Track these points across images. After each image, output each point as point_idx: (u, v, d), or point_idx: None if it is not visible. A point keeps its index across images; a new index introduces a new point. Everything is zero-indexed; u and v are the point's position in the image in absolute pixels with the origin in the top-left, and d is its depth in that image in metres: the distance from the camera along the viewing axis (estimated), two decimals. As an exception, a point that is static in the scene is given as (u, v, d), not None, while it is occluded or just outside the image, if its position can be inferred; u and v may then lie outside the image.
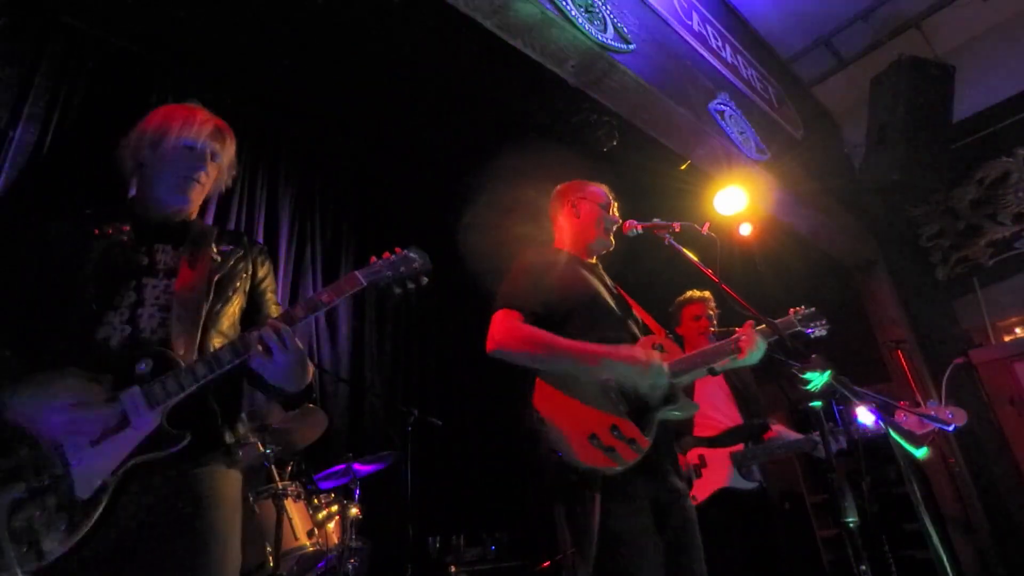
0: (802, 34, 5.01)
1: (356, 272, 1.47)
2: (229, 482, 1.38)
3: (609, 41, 2.88)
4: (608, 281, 2.14)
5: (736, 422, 2.96)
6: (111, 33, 3.49)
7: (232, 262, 1.56)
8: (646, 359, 1.71)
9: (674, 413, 1.76)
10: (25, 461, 1.18)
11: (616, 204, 2.24)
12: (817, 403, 1.95)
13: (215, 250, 1.55)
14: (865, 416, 2.58)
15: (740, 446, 2.86)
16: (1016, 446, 4.06)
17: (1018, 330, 4.61)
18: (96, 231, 1.45)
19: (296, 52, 3.80)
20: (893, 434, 2.24)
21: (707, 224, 2.19)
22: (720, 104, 3.69)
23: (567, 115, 3.55)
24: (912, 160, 4.41)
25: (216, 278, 1.49)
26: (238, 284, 1.56)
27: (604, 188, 2.26)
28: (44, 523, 1.15)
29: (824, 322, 2.14)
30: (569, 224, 2.22)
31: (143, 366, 1.29)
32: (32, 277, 1.38)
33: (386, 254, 1.51)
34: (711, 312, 3.20)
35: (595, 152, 3.72)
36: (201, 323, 1.42)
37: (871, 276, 5.12)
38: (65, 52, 3.30)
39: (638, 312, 2.07)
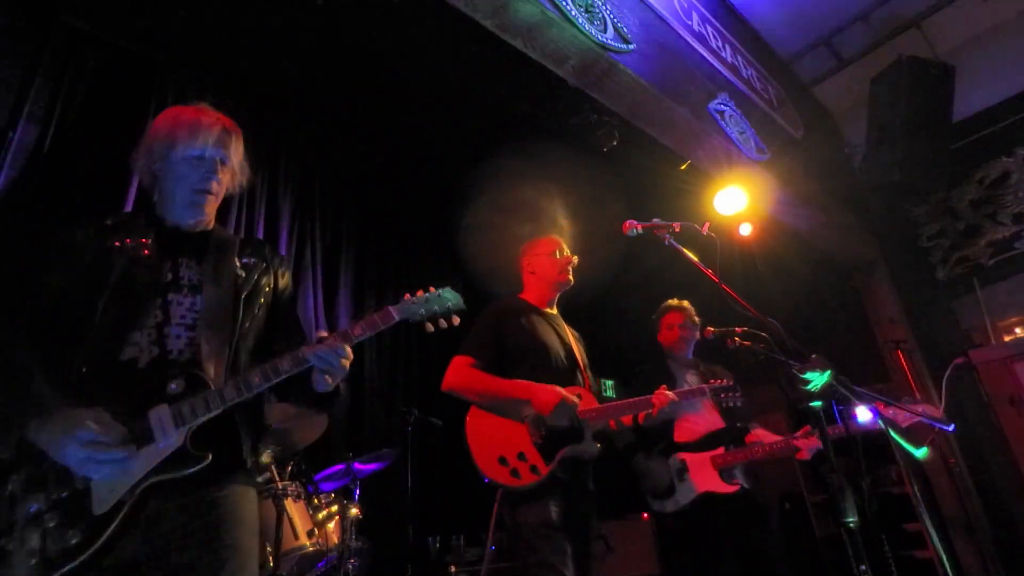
0: (802, 34, 5.02)
1: (390, 308, 1.47)
2: (248, 501, 1.38)
3: (609, 41, 2.88)
4: (562, 330, 2.48)
5: (718, 427, 3.04)
6: (111, 33, 3.49)
7: (256, 276, 1.55)
8: (555, 400, 2.08)
9: (577, 449, 2.14)
10: (47, 473, 1.19)
11: (565, 247, 2.57)
12: (817, 403, 1.95)
13: (239, 264, 1.53)
14: (864, 416, 2.58)
15: (720, 449, 2.94)
16: (1016, 446, 4.06)
17: (1018, 330, 4.61)
18: (117, 243, 1.41)
19: (296, 52, 3.80)
20: (893, 434, 2.24)
21: (707, 224, 2.20)
22: (720, 104, 3.69)
23: (567, 115, 3.55)
24: (912, 160, 4.41)
25: (244, 295, 1.48)
26: (262, 300, 1.55)
27: (552, 237, 2.60)
28: (58, 536, 1.15)
29: (739, 394, 2.50)
30: (529, 281, 2.59)
31: (175, 386, 1.28)
32: (56, 287, 1.35)
33: (420, 291, 1.52)
34: (689, 321, 3.29)
35: (595, 152, 3.72)
36: (230, 343, 1.41)
37: (871, 276, 5.12)
38: (65, 52, 3.30)
39: (579, 360, 2.40)
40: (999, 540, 4.12)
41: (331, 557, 3.01)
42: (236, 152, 1.57)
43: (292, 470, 3.21)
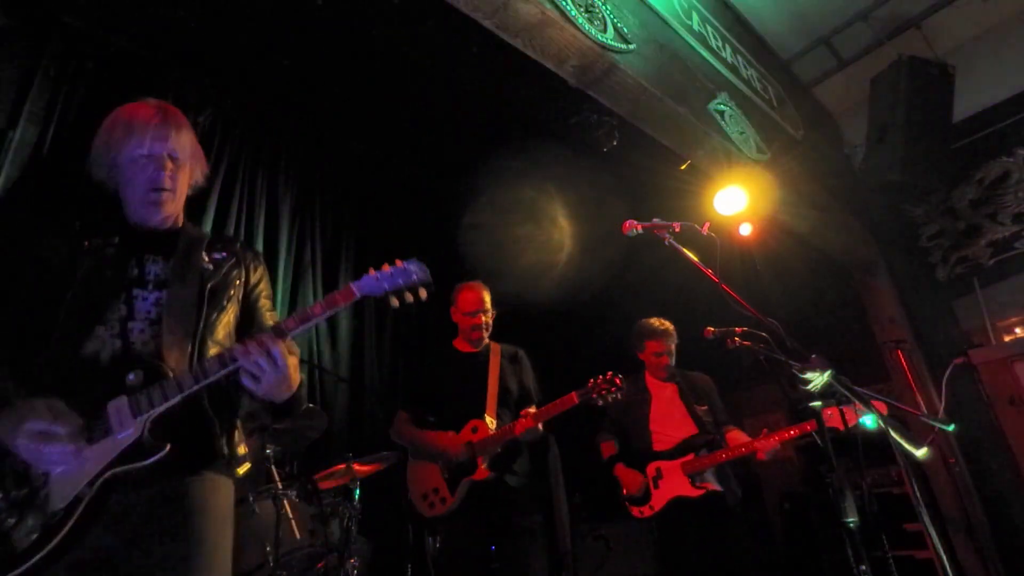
0: (802, 34, 5.01)
1: (351, 284, 1.43)
2: (220, 491, 1.37)
3: (609, 41, 2.88)
4: (483, 369, 2.84)
5: (691, 434, 3.26)
6: (111, 33, 3.49)
7: (225, 269, 1.53)
8: (446, 450, 2.63)
9: (472, 479, 2.58)
10: (5, 472, 1.18)
11: (486, 299, 2.94)
12: (817, 403, 1.96)
13: (207, 259, 1.51)
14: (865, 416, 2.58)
15: (691, 456, 3.16)
16: (1016, 446, 4.06)
17: (1018, 330, 4.61)
18: (86, 243, 1.41)
19: (296, 52, 3.80)
20: (893, 434, 2.24)
21: (707, 224, 2.20)
22: (720, 104, 3.69)
23: (567, 115, 3.55)
24: (912, 160, 4.41)
25: (209, 287, 1.46)
26: (232, 292, 1.52)
27: (472, 293, 2.93)
28: (19, 533, 1.14)
29: (614, 388, 2.62)
30: (456, 324, 2.99)
31: (132, 376, 1.26)
32: (25, 295, 1.35)
33: (385, 266, 1.46)
34: (670, 348, 3.44)
35: (595, 152, 3.72)
36: (195, 334, 1.39)
37: (871, 276, 5.12)
38: (65, 52, 3.30)
39: (491, 394, 2.77)
40: (999, 540, 4.12)
41: (331, 557, 3.01)
42: (183, 142, 1.50)
43: (291, 470, 3.21)
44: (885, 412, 2.52)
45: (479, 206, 4.89)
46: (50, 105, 3.16)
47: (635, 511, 3.26)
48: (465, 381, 2.83)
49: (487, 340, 2.96)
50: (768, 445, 3.02)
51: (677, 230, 2.14)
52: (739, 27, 4.53)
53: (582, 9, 2.78)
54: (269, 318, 1.59)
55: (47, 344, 1.29)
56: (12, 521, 1.14)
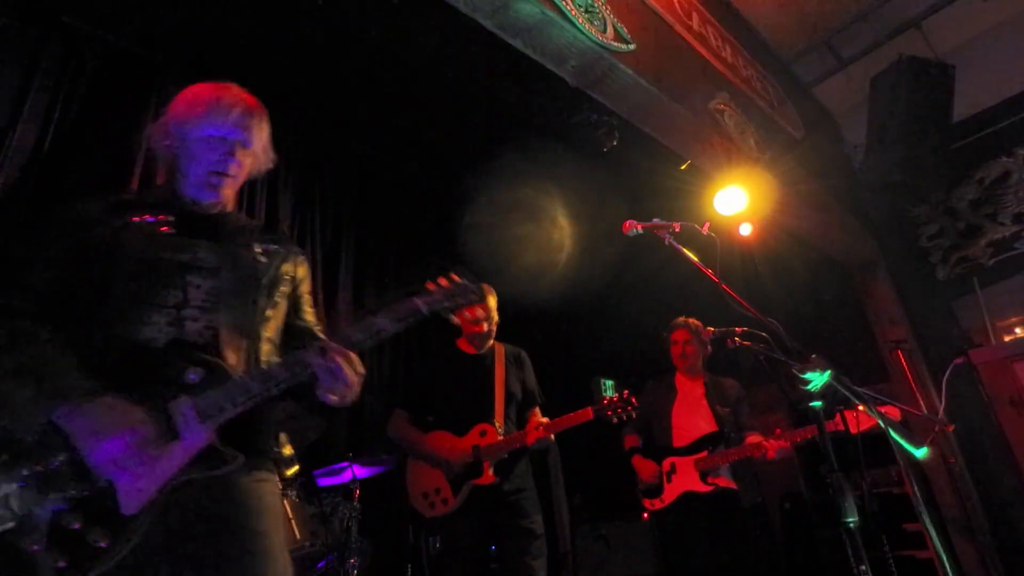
0: (802, 34, 5.01)
1: (416, 300, 1.41)
2: (274, 491, 1.34)
3: (609, 41, 2.88)
4: (487, 371, 2.82)
5: (709, 432, 3.30)
6: (111, 33, 3.49)
7: (276, 262, 1.47)
8: (450, 456, 2.60)
9: (477, 482, 2.57)
10: (64, 469, 1.11)
11: (495, 316, 2.91)
12: (817, 403, 1.95)
13: (259, 249, 1.45)
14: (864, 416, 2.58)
15: (704, 453, 3.21)
16: (1016, 446, 4.06)
17: (1018, 330, 4.61)
18: (136, 219, 1.34)
19: (296, 52, 3.80)
20: (893, 434, 2.24)
21: (707, 224, 2.20)
22: (720, 104, 3.69)
23: (567, 115, 3.54)
24: (912, 160, 4.41)
25: (264, 280, 1.41)
26: (282, 288, 1.47)
27: (483, 304, 2.85)
28: (84, 539, 1.08)
29: (630, 408, 2.65)
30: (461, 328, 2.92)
31: (194, 376, 1.21)
32: (57, 260, 1.27)
33: (443, 280, 1.46)
34: (691, 337, 3.48)
35: (595, 152, 3.72)
36: (250, 330, 1.35)
37: (871, 276, 5.12)
38: (65, 52, 3.30)
39: (496, 397, 2.75)
40: (999, 540, 4.12)
41: (331, 557, 3.01)
42: (259, 134, 1.49)
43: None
44: (899, 417, 2.54)
45: (479, 206, 4.89)
46: (50, 105, 3.16)
47: (647, 503, 3.35)
48: (470, 383, 2.80)
49: (492, 342, 2.95)
50: (779, 445, 3.05)
51: (677, 230, 2.14)
52: (739, 27, 4.53)
53: (582, 9, 2.78)
54: (311, 318, 1.56)
55: (97, 325, 1.23)
56: (77, 526, 1.09)
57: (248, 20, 3.55)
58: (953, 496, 4.31)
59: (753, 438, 3.22)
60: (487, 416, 2.69)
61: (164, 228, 1.35)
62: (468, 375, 2.82)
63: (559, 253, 5.10)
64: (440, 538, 2.75)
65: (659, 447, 3.37)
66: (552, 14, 2.64)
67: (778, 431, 3.10)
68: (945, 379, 4.13)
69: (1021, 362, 4.06)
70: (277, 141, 1.58)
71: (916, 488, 3.13)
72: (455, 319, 1.45)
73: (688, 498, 3.17)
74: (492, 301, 2.93)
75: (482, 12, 2.56)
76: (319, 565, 2.99)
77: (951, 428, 3.82)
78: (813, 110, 5.22)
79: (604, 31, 2.88)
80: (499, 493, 2.60)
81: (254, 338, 1.36)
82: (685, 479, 3.21)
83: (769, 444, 3.06)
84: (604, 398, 2.70)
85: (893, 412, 2.54)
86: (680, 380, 3.52)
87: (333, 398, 1.31)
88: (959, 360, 4.23)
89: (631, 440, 3.52)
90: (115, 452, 1.10)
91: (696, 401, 3.41)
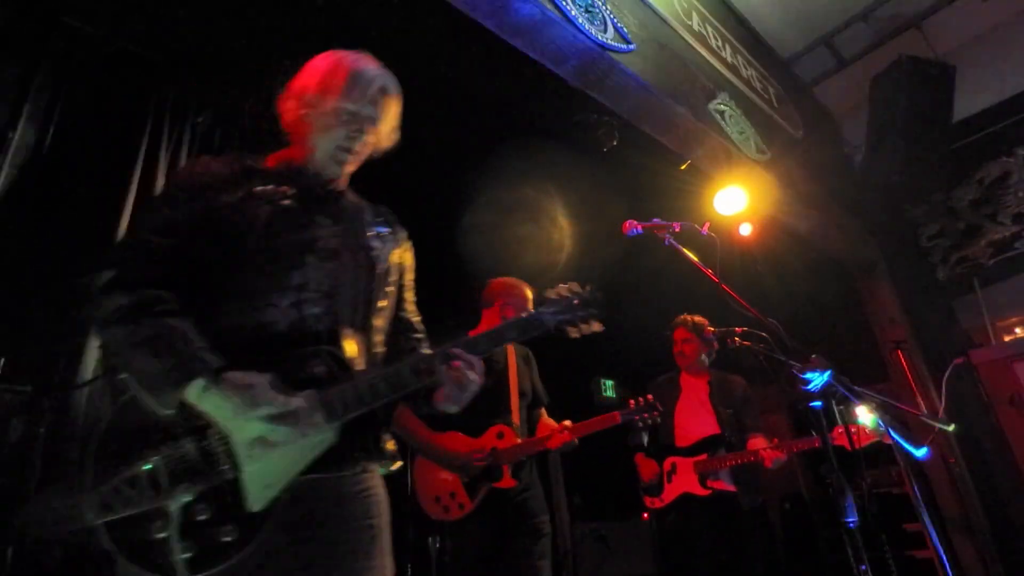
0: (802, 34, 5.01)
1: (542, 312, 1.32)
2: (382, 490, 1.27)
3: (609, 41, 2.88)
4: (502, 366, 2.70)
5: (711, 434, 3.31)
6: (111, 33, 3.49)
7: (388, 248, 1.39)
8: (468, 458, 2.45)
9: (495, 486, 2.48)
10: (192, 455, 1.06)
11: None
12: (817, 403, 1.96)
13: (373, 232, 1.38)
14: (865, 416, 2.59)
15: (704, 455, 3.22)
16: (1016, 446, 4.06)
17: (1018, 330, 4.61)
18: (259, 188, 1.26)
19: (296, 52, 3.79)
20: (893, 434, 2.24)
21: (707, 224, 2.20)
22: (720, 104, 3.69)
23: (567, 115, 3.54)
24: (912, 160, 4.41)
25: (380, 269, 1.34)
26: (394, 277, 1.40)
27: (529, 294, 2.79)
28: (209, 531, 1.04)
29: (655, 413, 2.67)
30: (492, 321, 2.71)
31: (321, 369, 1.14)
32: (185, 223, 1.19)
33: (561, 286, 1.36)
34: (692, 335, 3.47)
35: (595, 152, 3.72)
36: (366, 322, 1.27)
37: (871, 276, 5.12)
38: (65, 52, 3.30)
39: (512, 396, 2.65)
40: (999, 540, 4.12)
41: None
42: (390, 115, 1.43)
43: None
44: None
45: (479, 206, 4.89)
46: (50, 105, 3.16)
47: (648, 501, 3.37)
48: (484, 382, 2.74)
49: None
50: (775, 455, 3.05)
51: (677, 230, 2.14)
52: (739, 27, 4.53)
53: (582, 9, 2.78)
54: (411, 307, 1.48)
55: (222, 303, 1.16)
56: (204, 518, 1.04)
57: (248, 20, 3.55)
58: (953, 496, 4.31)
59: (755, 442, 3.21)
60: (503, 416, 2.61)
61: (286, 202, 1.27)
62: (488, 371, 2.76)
63: (559, 253, 5.10)
64: (448, 540, 2.62)
65: (661, 446, 3.38)
66: (552, 14, 2.64)
67: (776, 440, 3.11)
68: (945, 379, 4.14)
69: (1021, 362, 4.06)
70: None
71: (916, 488, 3.11)
72: (573, 333, 1.34)
73: (687, 499, 3.19)
74: (530, 295, 2.86)
75: (482, 12, 2.56)
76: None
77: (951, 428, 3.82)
78: (813, 110, 5.21)
79: (604, 31, 2.88)
80: (513, 493, 2.54)
81: (369, 329, 1.28)
82: (684, 480, 3.22)
83: (765, 454, 3.06)
84: (631, 402, 2.68)
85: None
86: (685, 379, 3.52)
87: (451, 407, 1.25)
88: (959, 360, 4.23)
89: (636, 438, 3.53)
90: (258, 429, 1.04)
91: (699, 401, 3.42)
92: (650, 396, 2.70)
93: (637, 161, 3.83)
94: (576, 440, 2.61)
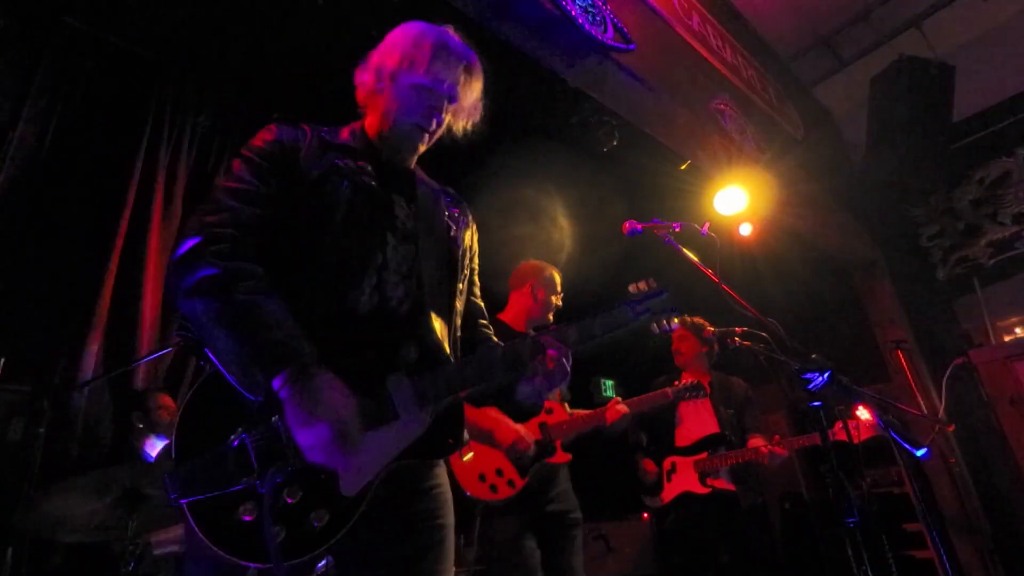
0: (802, 34, 5.01)
1: (628, 305, 1.29)
2: (447, 477, 1.25)
3: (609, 41, 2.88)
4: None
5: (711, 433, 3.33)
6: (111, 33, 3.49)
7: (463, 232, 1.36)
8: (511, 439, 2.28)
9: (547, 462, 2.40)
10: (283, 438, 0.99)
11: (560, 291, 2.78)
12: (817, 403, 1.96)
13: (447, 213, 1.34)
14: (864, 416, 2.59)
15: (704, 454, 3.23)
16: (1016, 446, 4.06)
17: (1018, 330, 4.61)
18: (339, 162, 1.20)
19: (296, 52, 3.79)
20: (893, 434, 2.24)
21: (707, 224, 2.20)
22: (720, 104, 3.69)
23: (567, 115, 3.54)
24: (912, 160, 4.41)
25: (459, 251, 1.30)
26: (468, 260, 1.36)
27: (557, 277, 2.80)
28: (302, 515, 1.00)
29: (700, 392, 2.80)
30: (522, 303, 2.74)
31: (411, 353, 1.11)
32: (271, 197, 1.13)
33: (642, 284, 1.32)
34: (691, 336, 3.48)
35: (595, 152, 3.72)
36: (449, 306, 1.24)
37: (871, 276, 5.12)
38: (65, 52, 3.30)
39: None
40: (999, 540, 4.12)
41: (330, 558, 3.00)
42: (470, 91, 1.35)
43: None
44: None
45: (479, 206, 4.89)
46: (50, 105, 3.16)
47: (647, 500, 3.39)
48: None
49: None
50: (777, 452, 3.05)
51: (677, 230, 2.14)
52: (739, 27, 4.53)
53: (582, 9, 2.78)
54: (478, 291, 1.44)
55: (308, 283, 1.11)
56: (296, 500, 1.00)
57: (248, 20, 3.55)
58: (953, 496, 4.31)
59: (754, 441, 3.22)
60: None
61: (365, 179, 1.22)
62: None
63: (559, 253, 5.10)
64: (487, 528, 2.37)
65: (662, 446, 3.39)
66: (552, 14, 2.64)
67: (777, 438, 3.12)
68: (945, 379, 4.14)
69: (1021, 362, 4.06)
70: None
71: (916, 488, 3.13)
72: (655, 329, 1.31)
73: (686, 498, 3.19)
74: (558, 277, 2.84)
75: (482, 12, 2.56)
76: (318, 566, 2.98)
77: (951, 428, 3.82)
78: (813, 110, 5.22)
79: (604, 31, 2.88)
80: (561, 471, 2.48)
81: (449, 312, 1.24)
82: (684, 479, 3.23)
83: (765, 451, 3.06)
84: (676, 381, 2.78)
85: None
86: (685, 379, 3.52)
87: (536, 399, 1.22)
88: (959, 360, 4.23)
89: (636, 437, 3.55)
90: (321, 437, 0.97)
91: (700, 401, 3.41)
92: (696, 379, 2.76)
93: (637, 161, 3.82)
94: (629, 414, 2.62)
